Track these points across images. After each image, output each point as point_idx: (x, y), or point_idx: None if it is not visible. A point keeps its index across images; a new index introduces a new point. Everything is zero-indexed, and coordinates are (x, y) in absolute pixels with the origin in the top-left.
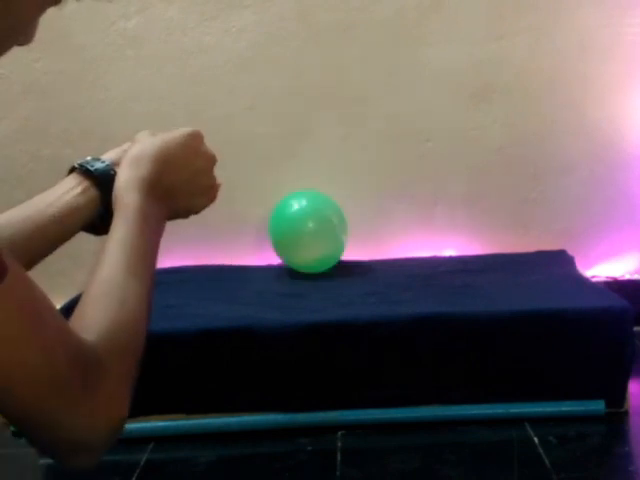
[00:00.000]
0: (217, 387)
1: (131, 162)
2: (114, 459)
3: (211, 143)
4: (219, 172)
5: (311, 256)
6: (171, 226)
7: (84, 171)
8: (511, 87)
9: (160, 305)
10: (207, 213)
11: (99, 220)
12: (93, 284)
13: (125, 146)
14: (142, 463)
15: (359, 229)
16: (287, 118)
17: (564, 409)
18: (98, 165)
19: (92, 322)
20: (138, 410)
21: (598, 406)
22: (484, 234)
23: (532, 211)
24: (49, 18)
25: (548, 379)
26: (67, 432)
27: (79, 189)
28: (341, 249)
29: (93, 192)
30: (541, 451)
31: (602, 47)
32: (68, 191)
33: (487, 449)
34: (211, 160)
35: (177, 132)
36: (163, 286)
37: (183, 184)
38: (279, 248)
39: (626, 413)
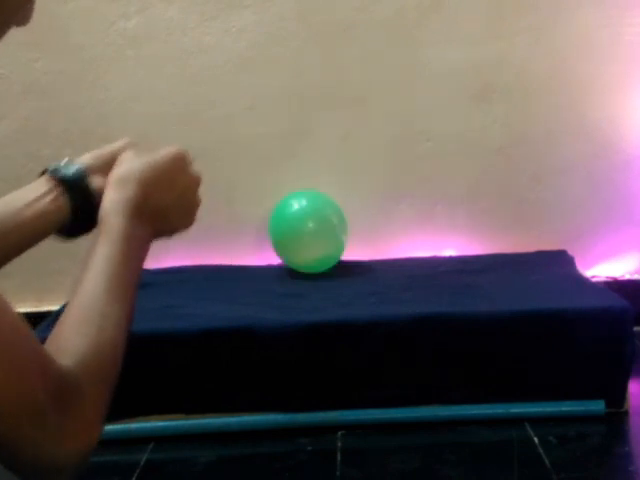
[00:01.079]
0: (217, 387)
1: (117, 183)
2: (114, 459)
3: (211, 143)
4: (219, 172)
5: (311, 256)
6: None
7: (57, 176)
8: (511, 87)
9: (160, 305)
10: (207, 213)
11: (69, 226)
12: (72, 307)
13: (105, 150)
14: (142, 463)
15: (359, 229)
16: (287, 118)
17: (564, 409)
18: (71, 170)
19: (70, 347)
20: (138, 410)
21: (598, 406)
22: (484, 234)
23: (532, 211)
24: (49, 18)
25: (548, 379)
26: (40, 456)
27: (50, 196)
28: (341, 249)
29: (64, 199)
30: (541, 451)
31: (602, 47)
32: (39, 198)
33: (487, 449)
34: (196, 181)
35: (163, 152)
36: (163, 286)
37: (169, 206)
38: (279, 248)
39: (626, 413)
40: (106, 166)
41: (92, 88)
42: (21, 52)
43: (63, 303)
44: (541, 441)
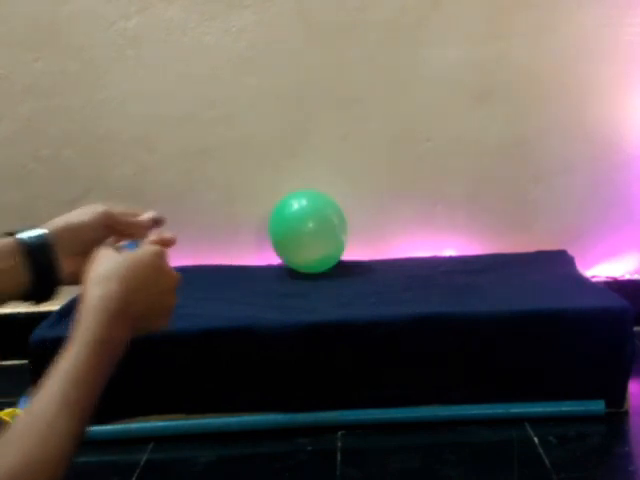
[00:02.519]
0: (217, 387)
1: (98, 281)
2: (114, 459)
3: (211, 143)
4: (219, 172)
5: (311, 256)
6: (171, 226)
7: (20, 241)
8: (511, 87)
9: None
10: (207, 213)
11: (31, 290)
12: (24, 414)
13: (72, 219)
14: (142, 463)
15: (359, 229)
16: (287, 118)
17: (564, 409)
18: (34, 236)
19: (4, 455)
20: (138, 410)
21: (598, 406)
22: (484, 234)
23: (532, 211)
24: (49, 18)
25: (548, 379)
26: None
27: (12, 261)
28: (341, 249)
29: (26, 264)
30: (541, 451)
31: (602, 47)
32: (0, 260)
33: (487, 449)
34: (176, 280)
35: (143, 251)
36: None
37: (149, 305)
38: (279, 248)
39: (626, 413)
40: (72, 235)
41: (92, 88)
42: (21, 52)
43: (64, 304)
44: (541, 441)
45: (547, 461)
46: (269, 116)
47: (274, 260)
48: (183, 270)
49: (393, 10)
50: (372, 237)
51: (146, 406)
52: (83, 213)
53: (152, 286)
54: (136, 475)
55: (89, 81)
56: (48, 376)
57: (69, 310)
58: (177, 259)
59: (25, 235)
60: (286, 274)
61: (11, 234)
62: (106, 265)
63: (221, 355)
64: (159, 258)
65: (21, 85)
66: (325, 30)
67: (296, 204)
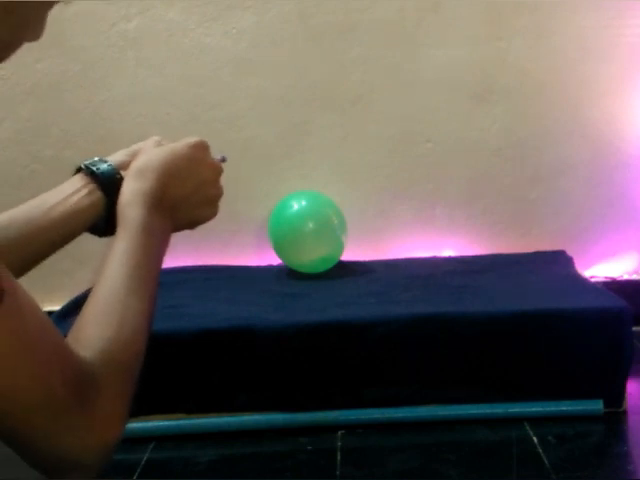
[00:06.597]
0: (217, 387)
1: (136, 174)
2: (115, 458)
3: (212, 144)
4: None
5: (311, 256)
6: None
7: (89, 173)
8: (511, 88)
9: (160, 305)
10: None
11: (103, 222)
12: (93, 300)
13: (134, 147)
14: (143, 462)
15: (359, 229)
16: (287, 118)
17: (563, 409)
18: (103, 167)
19: (91, 339)
20: (139, 410)
21: (596, 406)
22: (484, 234)
23: (532, 211)
24: (50, 20)
25: (547, 379)
26: (62, 452)
27: (84, 192)
28: (341, 249)
29: (97, 195)
30: (540, 450)
31: (601, 48)
32: (73, 194)
33: (486, 448)
34: (216, 170)
35: (182, 143)
36: (163, 286)
37: (188, 196)
38: (279, 249)
39: (624, 413)
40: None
41: (93, 89)
42: (22, 54)
43: (64, 305)
44: (540, 440)
45: (546, 460)
46: (269, 117)
47: (274, 260)
48: (183, 270)
49: (393, 10)
50: (372, 237)
51: (147, 406)
52: (141, 143)
53: (191, 176)
54: (137, 474)
55: (90, 82)
56: (104, 266)
57: (69, 311)
58: (177, 259)
59: (97, 168)
60: (286, 274)
61: (79, 170)
62: (143, 158)
63: (221, 355)
64: (197, 149)
65: (22, 86)
66: (325, 31)
67: (296, 204)
